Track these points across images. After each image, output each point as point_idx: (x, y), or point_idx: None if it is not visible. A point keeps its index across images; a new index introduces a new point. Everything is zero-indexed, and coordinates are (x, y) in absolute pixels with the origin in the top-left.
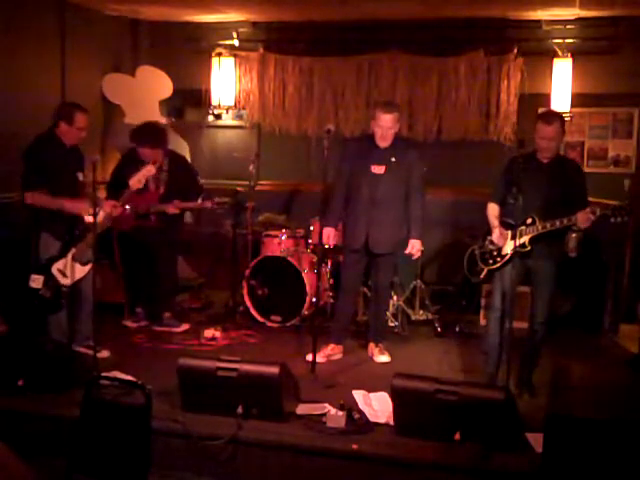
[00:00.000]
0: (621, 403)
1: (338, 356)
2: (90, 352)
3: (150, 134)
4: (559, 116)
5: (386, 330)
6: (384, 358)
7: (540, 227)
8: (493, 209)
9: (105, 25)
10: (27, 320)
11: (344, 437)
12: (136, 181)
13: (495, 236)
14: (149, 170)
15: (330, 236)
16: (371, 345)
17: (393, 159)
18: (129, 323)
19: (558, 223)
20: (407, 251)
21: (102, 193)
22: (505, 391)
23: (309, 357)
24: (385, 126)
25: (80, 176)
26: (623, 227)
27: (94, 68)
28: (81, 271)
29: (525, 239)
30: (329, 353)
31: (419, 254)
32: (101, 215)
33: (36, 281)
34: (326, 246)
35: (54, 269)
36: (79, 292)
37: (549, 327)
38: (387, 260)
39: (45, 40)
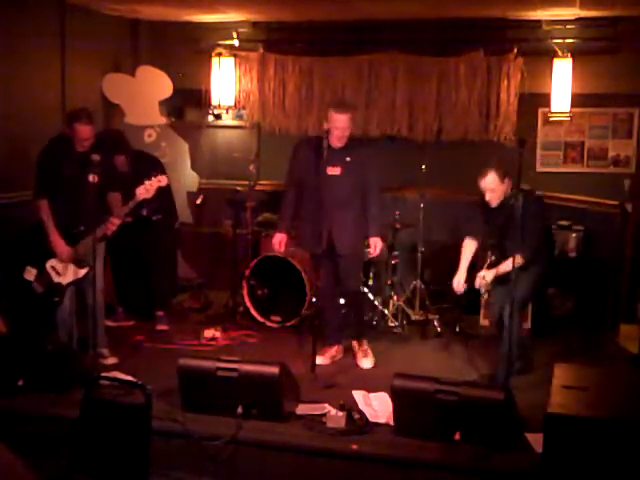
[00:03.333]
0: (621, 403)
1: (339, 356)
2: (106, 361)
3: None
4: (496, 169)
5: (364, 326)
6: (367, 363)
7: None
8: (468, 246)
9: (105, 25)
10: (33, 320)
11: (344, 437)
12: (144, 190)
13: (455, 280)
14: (160, 180)
15: (282, 243)
16: (354, 344)
17: (348, 159)
18: (109, 322)
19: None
20: (371, 253)
21: (117, 198)
22: (505, 391)
23: (319, 360)
24: (340, 127)
25: (91, 178)
26: (624, 227)
27: (94, 68)
28: (75, 272)
29: (489, 277)
30: (333, 354)
31: (379, 252)
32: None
33: (29, 273)
34: (275, 253)
35: (48, 265)
36: (86, 299)
37: (547, 327)
38: (354, 264)
39: (45, 40)
